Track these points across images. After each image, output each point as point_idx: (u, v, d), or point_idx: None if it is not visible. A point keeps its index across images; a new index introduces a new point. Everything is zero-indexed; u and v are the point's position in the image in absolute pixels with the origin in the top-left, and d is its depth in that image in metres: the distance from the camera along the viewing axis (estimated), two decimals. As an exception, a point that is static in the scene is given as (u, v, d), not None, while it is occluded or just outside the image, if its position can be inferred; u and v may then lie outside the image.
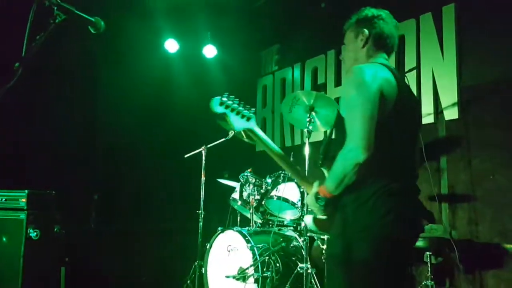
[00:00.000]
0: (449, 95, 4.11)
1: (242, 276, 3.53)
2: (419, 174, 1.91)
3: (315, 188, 1.84)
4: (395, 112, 1.76)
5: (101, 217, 5.07)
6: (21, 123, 2.90)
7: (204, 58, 5.97)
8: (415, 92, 4.28)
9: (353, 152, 1.64)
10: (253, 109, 1.97)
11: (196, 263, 4.31)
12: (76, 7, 1.65)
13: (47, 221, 3.66)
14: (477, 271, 3.77)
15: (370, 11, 2.00)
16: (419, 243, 3.55)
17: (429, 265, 3.49)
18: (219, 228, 4.00)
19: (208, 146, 4.54)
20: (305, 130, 3.67)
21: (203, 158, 4.63)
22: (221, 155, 4.92)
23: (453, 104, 4.06)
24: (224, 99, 1.91)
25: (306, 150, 3.68)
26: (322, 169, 1.95)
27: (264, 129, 6.26)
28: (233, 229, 3.85)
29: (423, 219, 1.88)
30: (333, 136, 1.99)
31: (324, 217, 1.87)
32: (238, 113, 1.92)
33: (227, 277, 3.60)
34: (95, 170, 5.13)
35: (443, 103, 4.14)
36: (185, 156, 4.62)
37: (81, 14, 1.68)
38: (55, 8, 1.58)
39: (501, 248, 3.63)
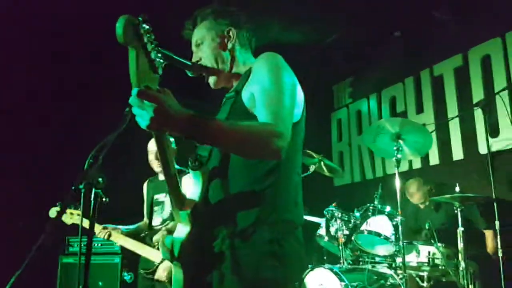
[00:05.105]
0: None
1: (338, 315, 3.34)
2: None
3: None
4: (303, 119, 1.49)
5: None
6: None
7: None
8: (509, 112, 3.99)
9: (281, 136, 1.27)
10: None
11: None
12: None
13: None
14: None
15: None
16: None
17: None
18: (309, 266, 3.86)
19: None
20: (393, 159, 3.49)
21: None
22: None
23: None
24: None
25: (397, 181, 3.48)
26: (195, 172, 1.47)
27: (341, 163, 6.08)
28: (323, 267, 3.69)
29: None
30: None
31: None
32: None
33: (322, 317, 3.42)
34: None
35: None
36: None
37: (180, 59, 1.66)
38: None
39: None
